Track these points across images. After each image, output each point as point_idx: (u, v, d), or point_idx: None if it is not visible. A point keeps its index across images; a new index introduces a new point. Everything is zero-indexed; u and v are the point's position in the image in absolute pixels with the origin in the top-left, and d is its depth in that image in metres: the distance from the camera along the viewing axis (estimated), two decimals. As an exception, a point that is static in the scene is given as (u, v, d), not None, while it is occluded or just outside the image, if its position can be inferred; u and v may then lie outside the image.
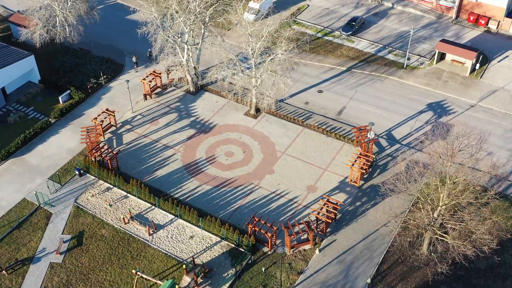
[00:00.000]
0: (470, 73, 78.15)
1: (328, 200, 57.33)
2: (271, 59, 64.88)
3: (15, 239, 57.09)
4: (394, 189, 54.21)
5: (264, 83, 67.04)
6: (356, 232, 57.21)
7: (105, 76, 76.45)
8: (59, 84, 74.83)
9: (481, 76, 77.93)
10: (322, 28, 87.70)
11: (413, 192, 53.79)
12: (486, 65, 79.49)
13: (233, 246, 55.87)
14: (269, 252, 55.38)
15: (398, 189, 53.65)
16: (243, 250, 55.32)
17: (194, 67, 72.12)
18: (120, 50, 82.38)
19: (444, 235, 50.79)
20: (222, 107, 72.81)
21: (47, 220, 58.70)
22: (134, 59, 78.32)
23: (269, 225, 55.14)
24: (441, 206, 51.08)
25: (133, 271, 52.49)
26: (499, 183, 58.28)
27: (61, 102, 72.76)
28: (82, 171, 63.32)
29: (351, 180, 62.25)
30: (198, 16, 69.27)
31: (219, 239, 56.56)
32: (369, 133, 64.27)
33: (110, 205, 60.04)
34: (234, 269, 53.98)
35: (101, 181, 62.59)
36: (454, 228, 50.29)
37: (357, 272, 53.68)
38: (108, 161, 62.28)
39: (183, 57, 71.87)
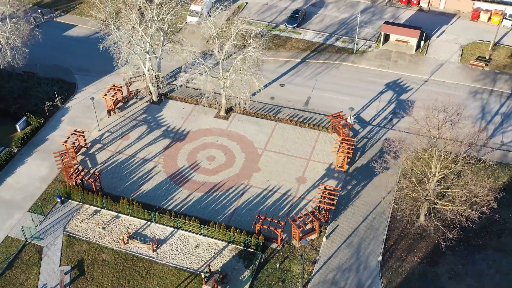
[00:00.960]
0: (416, 50, 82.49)
1: (325, 188, 58.48)
2: (241, 57, 64.88)
3: (10, 280, 53.23)
4: (387, 166, 56.41)
5: (235, 83, 66.93)
6: (355, 215, 58.82)
7: (60, 97, 72.81)
8: (11, 111, 70.34)
9: (426, 52, 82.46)
10: (267, 23, 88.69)
11: (406, 166, 56.32)
12: (427, 41, 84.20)
13: (242, 248, 55.58)
14: (278, 248, 55.66)
15: (389, 166, 55.97)
16: (252, 250, 55.19)
17: (158, 75, 70.49)
18: (67, 69, 78.69)
19: (446, 203, 53.45)
20: (191, 112, 71.81)
21: (40, 255, 55.24)
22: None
23: (276, 221, 55.40)
24: (436, 176, 53.75)
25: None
26: (491, 150, 62.06)
27: (18, 130, 68.47)
28: (63, 198, 60.14)
29: (337, 166, 63.81)
30: (158, 24, 67.76)
31: (225, 243, 56.02)
32: (349, 117, 66.16)
33: (103, 228, 57.55)
34: (249, 270, 53.74)
35: (86, 205, 59.76)
36: (455, 196, 52.99)
37: (367, 252, 55.31)
38: (92, 183, 59.60)
39: (145, 66, 70.06)
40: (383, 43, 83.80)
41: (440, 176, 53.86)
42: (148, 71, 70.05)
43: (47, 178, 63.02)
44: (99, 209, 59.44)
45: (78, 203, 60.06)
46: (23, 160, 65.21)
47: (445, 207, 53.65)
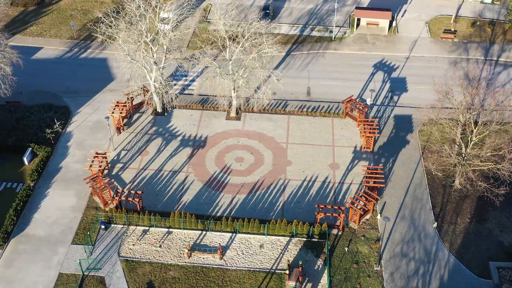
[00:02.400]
0: (388, 31, 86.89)
1: (368, 168, 60.55)
2: (254, 55, 65.09)
3: (83, 317, 50.20)
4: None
5: (250, 82, 67.02)
6: (396, 190, 61.37)
7: (59, 123, 68.78)
8: (9, 145, 65.46)
9: (398, 32, 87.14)
10: (239, 22, 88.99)
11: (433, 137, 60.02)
12: (395, 21, 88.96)
13: (305, 239, 56.20)
14: (339, 233, 56.91)
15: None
16: (316, 240, 56.03)
17: (170, 84, 68.58)
18: (54, 93, 74.28)
19: (485, 163, 57.33)
20: (200, 118, 70.82)
21: (104, 285, 52.32)
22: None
23: (337, 207, 56.61)
24: (473, 140, 57.60)
25: (246, 296, 50.16)
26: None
27: (26, 162, 63.92)
28: (106, 224, 57.34)
29: (364, 147, 66.09)
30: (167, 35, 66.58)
31: (288, 238, 56.35)
32: (370, 99, 68.66)
33: (160, 246, 55.65)
34: (321, 259, 54.54)
35: (132, 227, 57.36)
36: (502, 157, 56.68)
37: (421, 221, 58.07)
38: (137, 202, 57.31)
39: (152, 78, 68.10)
40: (356, 27, 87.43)
41: (476, 140, 57.79)
42: (154, 82, 68.20)
43: (77, 207, 59.55)
44: (147, 228, 57.31)
45: (122, 226, 57.49)
46: (44, 193, 61.07)
47: (484, 167, 57.68)
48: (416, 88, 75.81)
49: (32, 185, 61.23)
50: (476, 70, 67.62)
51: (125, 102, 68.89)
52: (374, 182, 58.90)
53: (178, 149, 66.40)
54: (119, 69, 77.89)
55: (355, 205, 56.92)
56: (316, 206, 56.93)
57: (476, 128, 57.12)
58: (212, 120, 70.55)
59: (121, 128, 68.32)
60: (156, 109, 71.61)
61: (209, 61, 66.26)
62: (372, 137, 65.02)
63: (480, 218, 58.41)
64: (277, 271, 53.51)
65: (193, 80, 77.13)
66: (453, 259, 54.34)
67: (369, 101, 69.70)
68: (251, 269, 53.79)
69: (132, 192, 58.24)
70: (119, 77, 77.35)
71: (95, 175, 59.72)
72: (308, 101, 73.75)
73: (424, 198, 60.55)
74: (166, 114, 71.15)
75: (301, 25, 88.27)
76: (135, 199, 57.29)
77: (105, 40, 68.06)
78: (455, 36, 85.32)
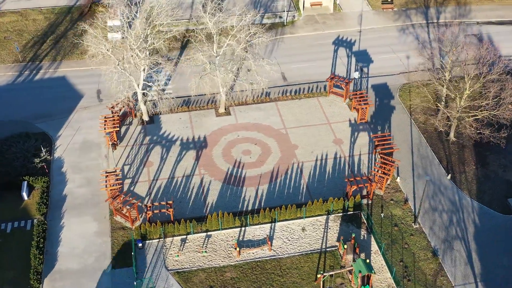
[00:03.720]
0: (333, 9, 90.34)
1: (377, 136, 63.30)
2: (242, 47, 64.97)
3: (157, 339, 47.85)
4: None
5: (241, 74, 66.87)
6: (402, 152, 64.56)
7: (45, 150, 63.96)
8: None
9: (341, 9, 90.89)
10: (187, 20, 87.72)
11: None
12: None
13: (341, 214, 57.76)
14: (369, 202, 59.15)
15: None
16: (352, 212, 57.85)
17: (164, 89, 66.21)
18: (24, 121, 68.68)
19: (477, 112, 62.34)
20: (191, 120, 69.38)
21: (165, 302, 50.37)
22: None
23: (365, 177, 58.67)
24: (466, 93, 62.33)
25: (318, 275, 50.44)
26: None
27: (26, 197, 58.89)
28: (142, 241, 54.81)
29: (359, 119, 68.76)
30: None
31: (325, 216, 57.56)
32: (356, 73, 71.19)
33: (206, 252, 54.33)
34: (363, 230, 56.40)
35: (168, 239, 55.37)
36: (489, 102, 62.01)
37: (435, 176, 61.91)
38: (171, 213, 55.35)
39: (139, 86, 65.42)
40: (302, 10, 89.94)
41: (469, 92, 62.62)
42: (142, 90, 65.67)
43: (102, 231, 56.19)
44: (184, 236, 55.65)
45: (158, 240, 55.28)
46: (59, 224, 56.80)
47: (478, 116, 62.75)
48: (380, 58, 79.98)
49: (43, 219, 56.64)
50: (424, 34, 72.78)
51: (114, 116, 65.65)
52: (388, 149, 61.87)
53: (182, 154, 64.73)
54: (85, 84, 74.46)
55: (380, 172, 59.40)
56: (346, 180, 58.60)
57: (469, 81, 61.83)
58: (203, 119, 69.45)
59: (116, 143, 65.09)
60: (142, 119, 68.98)
61: (203, 59, 65.05)
62: (366, 108, 67.89)
63: (482, 163, 63.60)
64: (327, 249, 54.66)
65: (166, 84, 75.12)
66: (476, 204, 58.84)
67: (357, 75, 72.48)
68: (303, 252, 54.39)
69: (163, 203, 56.12)
70: (88, 93, 73.68)
71: (116, 195, 56.66)
72: (287, 85, 75.01)
73: (430, 155, 64.61)
74: (153, 122, 68.78)
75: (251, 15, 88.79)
76: (169, 210, 55.34)
77: (94, 55, 63.93)
78: (393, 6, 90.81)
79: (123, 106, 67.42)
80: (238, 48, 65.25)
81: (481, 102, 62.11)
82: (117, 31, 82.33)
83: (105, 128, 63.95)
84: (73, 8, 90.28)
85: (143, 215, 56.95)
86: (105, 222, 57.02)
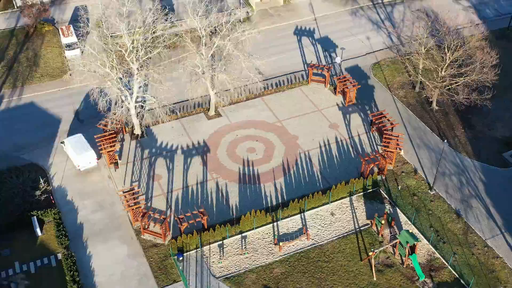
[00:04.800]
0: (283, 1, 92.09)
1: (374, 115, 65.86)
2: (230, 43, 64.57)
3: None
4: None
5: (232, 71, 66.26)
6: (396, 127, 67.76)
7: (43, 180, 60.03)
8: (5, 223, 55.48)
9: (290, 0, 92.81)
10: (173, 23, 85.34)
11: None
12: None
13: (362, 193, 59.65)
14: (384, 177, 61.51)
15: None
16: (370, 190, 59.94)
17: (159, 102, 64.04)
18: (4, 155, 63.75)
19: (460, 79, 66.57)
20: (184, 127, 68.04)
21: (226, 309, 49.52)
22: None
23: (378, 154, 60.80)
24: (447, 62, 66.45)
25: (370, 253, 51.77)
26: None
27: (39, 233, 55.06)
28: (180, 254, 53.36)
29: (347, 102, 70.98)
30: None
31: (348, 198, 59.13)
32: (337, 58, 73.06)
33: (247, 253, 53.96)
34: (386, 203, 58.70)
35: (205, 247, 54.33)
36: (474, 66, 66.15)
37: (432, 143, 65.60)
38: (204, 220, 54.31)
39: (132, 99, 63.04)
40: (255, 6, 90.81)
41: (450, 61, 66.67)
42: (135, 104, 63.40)
43: (134, 252, 53.95)
44: (220, 241, 54.91)
45: (196, 250, 54.08)
46: (86, 254, 53.73)
47: (459, 83, 67.10)
48: (342, 42, 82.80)
49: (68, 252, 53.26)
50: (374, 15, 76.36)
51: (110, 135, 62.88)
52: (389, 124, 64.70)
53: (187, 162, 63.44)
54: (58, 108, 70.92)
55: (390, 148, 61.92)
56: (362, 160, 60.45)
57: (449, 51, 65.93)
58: (196, 124, 68.40)
59: (117, 162, 62.43)
60: (134, 133, 66.61)
61: (195, 63, 63.95)
62: (354, 90, 70.27)
63: (469, 126, 68.29)
64: (361, 228, 56.37)
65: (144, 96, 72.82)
66: (477, 163, 63.23)
67: (338, 60, 74.46)
68: (341, 236, 55.70)
69: (195, 212, 54.88)
70: (65, 116, 70.11)
71: (144, 212, 54.58)
72: (265, 80, 75.55)
73: (421, 126, 68.27)
74: (146, 135, 66.63)
75: (203, 16, 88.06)
76: (204, 218, 54.31)
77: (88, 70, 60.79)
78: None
79: (116, 123, 64.63)
80: (228, 47, 64.86)
81: (461, 70, 66.41)
82: (75, 48, 78.68)
83: (105, 148, 61.19)
84: (16, 31, 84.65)
85: (168, 229, 55.38)
86: (134, 242, 54.80)
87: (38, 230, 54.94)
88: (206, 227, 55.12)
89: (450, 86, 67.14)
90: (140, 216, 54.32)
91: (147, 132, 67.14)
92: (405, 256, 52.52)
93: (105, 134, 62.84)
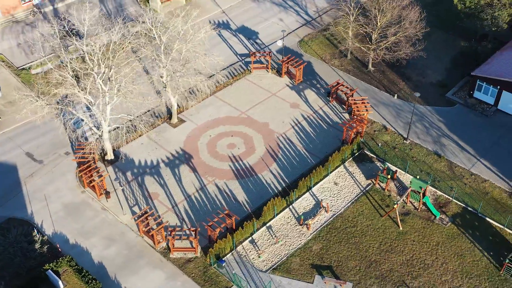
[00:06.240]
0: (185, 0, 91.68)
1: (333, 86, 69.54)
2: (186, 48, 63.56)
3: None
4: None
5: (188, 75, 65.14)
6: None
7: (36, 233, 54.37)
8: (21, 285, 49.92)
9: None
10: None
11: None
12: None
13: (351, 157, 63.26)
14: (363, 139, 65.61)
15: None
16: (357, 153, 63.80)
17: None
18: (-26, 217, 56.54)
19: (402, 34, 72.43)
20: (154, 140, 65.60)
21: (289, 297, 50.06)
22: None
23: (355, 119, 64.52)
24: (380, 24, 72.23)
25: (395, 205, 55.29)
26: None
27: (62, 286, 50.19)
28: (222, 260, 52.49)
29: (297, 81, 73.77)
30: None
31: (342, 166, 62.31)
32: (279, 41, 74.89)
33: (280, 241, 54.70)
34: (376, 161, 62.98)
35: (239, 247, 54.00)
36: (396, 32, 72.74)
37: (385, 100, 71.30)
38: (233, 220, 53.78)
39: (106, 123, 59.27)
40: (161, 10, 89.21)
41: (381, 24, 72.47)
42: (108, 126, 59.77)
43: (172, 273, 51.69)
44: (250, 237, 54.94)
45: (230, 252, 53.50)
46: (123, 290, 50.49)
47: (389, 42, 73.43)
48: (260, 28, 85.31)
49: (103, 294, 49.61)
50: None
51: (88, 165, 58.73)
52: (351, 90, 68.98)
53: (175, 173, 61.63)
54: (4, 154, 63.89)
55: (363, 110, 66.22)
56: (344, 127, 63.79)
57: (380, 14, 71.54)
58: (164, 135, 66.39)
59: (105, 190, 58.64)
60: (105, 158, 62.76)
61: (161, 71, 61.78)
62: (301, 68, 73.21)
63: (407, 78, 75.23)
64: (366, 189, 60.02)
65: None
66: (429, 107, 70.31)
67: (280, 43, 76.33)
68: (353, 200, 58.81)
69: (222, 215, 54.04)
70: (18, 159, 63.60)
71: (171, 230, 52.44)
72: (208, 78, 75.22)
73: (368, 87, 73.65)
74: (122, 159, 63.13)
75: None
76: (232, 218, 53.80)
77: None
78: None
79: (86, 151, 60.33)
80: (185, 50, 63.74)
81: (392, 29, 72.58)
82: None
83: (93, 180, 57.18)
84: None
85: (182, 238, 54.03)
86: (166, 264, 52.54)
87: (60, 283, 50.03)
88: (234, 227, 54.68)
89: (387, 46, 73.16)
90: (169, 235, 52.20)
91: (118, 154, 63.69)
92: (418, 201, 57.34)
93: (84, 166, 58.55)
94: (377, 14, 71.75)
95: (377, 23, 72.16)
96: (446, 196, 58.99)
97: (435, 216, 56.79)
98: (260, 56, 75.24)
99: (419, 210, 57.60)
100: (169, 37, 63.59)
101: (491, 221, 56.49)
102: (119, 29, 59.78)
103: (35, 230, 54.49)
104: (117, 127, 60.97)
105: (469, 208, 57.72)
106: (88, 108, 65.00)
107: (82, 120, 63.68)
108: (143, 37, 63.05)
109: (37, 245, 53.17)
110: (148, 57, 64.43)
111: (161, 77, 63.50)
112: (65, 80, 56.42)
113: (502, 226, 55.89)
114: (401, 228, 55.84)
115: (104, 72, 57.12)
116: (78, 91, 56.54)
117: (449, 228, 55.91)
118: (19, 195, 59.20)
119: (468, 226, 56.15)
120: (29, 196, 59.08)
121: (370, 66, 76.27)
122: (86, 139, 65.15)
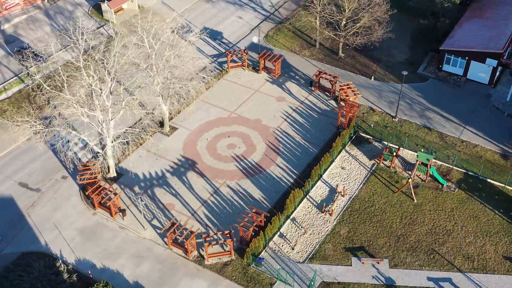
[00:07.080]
0: (138, 8, 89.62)
1: (317, 75, 71.05)
2: (175, 51, 62.52)
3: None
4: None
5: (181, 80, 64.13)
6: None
7: (61, 264, 51.56)
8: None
9: (143, 6, 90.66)
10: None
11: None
12: None
13: (350, 140, 65.20)
14: (354, 122, 67.72)
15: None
16: (353, 136, 65.85)
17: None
18: (-16, 258, 52.64)
19: (368, 19, 75.10)
20: (152, 151, 64.00)
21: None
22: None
23: (350, 102, 66.39)
24: (348, 11, 74.59)
25: (409, 179, 57.62)
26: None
27: (103, 312, 48.34)
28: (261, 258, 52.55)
29: (277, 75, 74.58)
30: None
31: (343, 150, 64.04)
32: (254, 38, 74.95)
33: (308, 231, 55.54)
34: (375, 141, 65.31)
35: (270, 243, 54.26)
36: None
37: (363, 82, 73.93)
38: (263, 219, 53.90)
39: (109, 139, 57.06)
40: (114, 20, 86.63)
41: (349, 13, 74.74)
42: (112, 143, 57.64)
43: (213, 279, 51.03)
44: (277, 231, 55.38)
45: (264, 249, 53.68)
46: (168, 306, 49.20)
47: (362, 23, 75.79)
48: (223, 27, 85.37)
49: (150, 313, 48.19)
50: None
51: (98, 183, 56.50)
52: (334, 78, 70.82)
53: (185, 182, 60.58)
54: (5, 182, 60.33)
55: (353, 95, 68.41)
56: (339, 113, 65.51)
57: (348, 2, 73.96)
58: (162, 144, 64.94)
59: (124, 209, 56.66)
60: (107, 176, 60.53)
61: (156, 85, 60.26)
62: (279, 62, 74.08)
63: (377, 60, 78.35)
64: (373, 169, 62.18)
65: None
66: (406, 85, 73.55)
67: (256, 39, 76.34)
68: (364, 181, 60.73)
69: (251, 214, 54.00)
70: (12, 191, 60.09)
71: (205, 237, 51.70)
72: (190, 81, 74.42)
73: (343, 73, 75.95)
74: (117, 174, 61.07)
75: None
76: (262, 215, 53.96)
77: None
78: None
79: (97, 172, 57.99)
80: (173, 56, 62.71)
81: (358, 15, 75.22)
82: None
83: (108, 200, 55.07)
84: None
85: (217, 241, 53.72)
86: (204, 272, 51.80)
87: (99, 309, 48.06)
88: (263, 224, 54.82)
89: (357, 31, 75.71)
90: (204, 241, 51.49)
91: (118, 170, 61.64)
92: (425, 173, 60.27)
93: (93, 187, 56.24)
94: (345, 1, 74.12)
95: (345, 10, 74.54)
96: (446, 165, 62.41)
97: (442, 185, 59.99)
98: (236, 55, 75.33)
99: (426, 181, 60.56)
100: (158, 44, 62.27)
101: (492, 181, 60.55)
102: (118, 41, 57.74)
103: (59, 261, 51.74)
104: (115, 142, 58.90)
105: (470, 173, 61.47)
106: (74, 128, 62.29)
107: (68, 141, 61.16)
108: (134, 48, 61.13)
109: (65, 276, 50.54)
110: (136, 66, 62.54)
111: (157, 85, 61.91)
112: (68, 101, 53.84)
113: (503, 185, 60.09)
114: (415, 201, 58.50)
115: (110, 86, 55.15)
116: (88, 110, 54.18)
117: (457, 194, 59.31)
118: (26, 227, 55.82)
119: (474, 189, 59.84)
120: (37, 227, 55.87)
121: (340, 52, 78.64)
122: (80, 160, 62.54)
